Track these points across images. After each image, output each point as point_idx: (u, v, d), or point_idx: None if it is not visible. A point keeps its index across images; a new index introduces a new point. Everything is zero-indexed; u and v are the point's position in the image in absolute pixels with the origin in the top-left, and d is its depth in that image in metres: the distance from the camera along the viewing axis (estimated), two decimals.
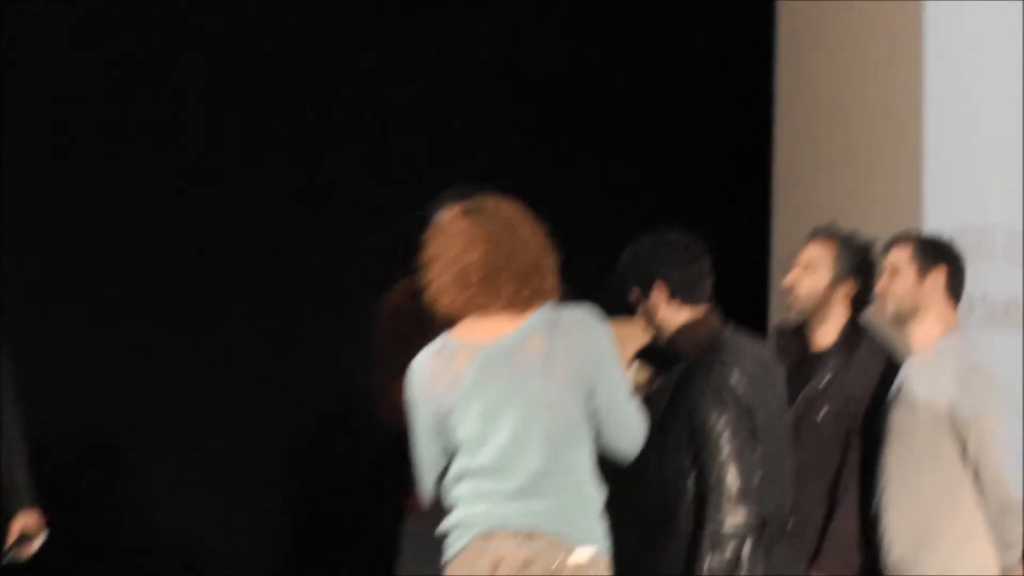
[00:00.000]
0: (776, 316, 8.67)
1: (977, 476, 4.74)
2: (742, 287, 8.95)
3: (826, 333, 5.00)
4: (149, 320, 7.73)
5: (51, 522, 5.68)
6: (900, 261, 4.83)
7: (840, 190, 8.48)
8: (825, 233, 5.06)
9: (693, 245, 4.49)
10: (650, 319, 4.42)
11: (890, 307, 4.87)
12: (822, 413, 4.79)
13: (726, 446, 4.29)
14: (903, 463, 4.80)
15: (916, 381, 4.82)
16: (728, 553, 4.21)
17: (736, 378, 4.28)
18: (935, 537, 4.79)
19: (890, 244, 4.94)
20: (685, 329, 4.40)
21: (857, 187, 8.32)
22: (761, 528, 4.30)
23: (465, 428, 4.04)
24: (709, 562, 4.20)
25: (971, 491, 4.77)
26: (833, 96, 8.62)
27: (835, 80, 8.64)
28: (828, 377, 4.80)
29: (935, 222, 7.36)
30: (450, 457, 4.08)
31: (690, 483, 4.24)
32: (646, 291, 4.40)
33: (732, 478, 4.28)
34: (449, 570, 4.09)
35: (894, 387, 4.85)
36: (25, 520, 5.59)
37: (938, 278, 4.82)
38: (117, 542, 7.79)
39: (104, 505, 7.31)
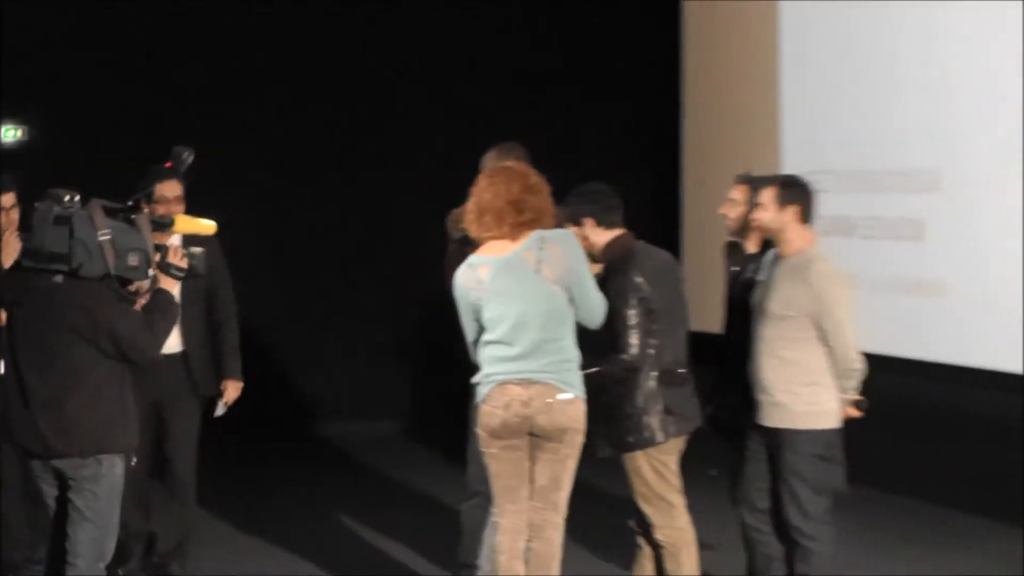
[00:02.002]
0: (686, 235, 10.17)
1: (829, 347, 5.61)
2: (665, 216, 10.32)
3: (753, 242, 5.97)
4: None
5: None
6: (766, 198, 5.67)
7: (728, 144, 9.93)
8: (741, 178, 6.03)
9: (608, 190, 5.70)
10: (586, 240, 5.59)
11: (761, 230, 5.81)
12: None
13: (629, 319, 5.49)
14: (779, 332, 5.61)
15: (785, 281, 5.63)
16: (619, 373, 5.45)
17: (638, 278, 5.52)
18: (802, 386, 5.62)
19: (760, 183, 5.79)
20: (606, 246, 5.61)
21: (739, 143, 9.80)
22: (657, 369, 5.51)
23: (488, 313, 5.21)
24: (618, 379, 5.46)
25: (822, 354, 5.63)
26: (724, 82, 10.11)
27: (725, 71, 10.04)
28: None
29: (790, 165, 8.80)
30: (481, 330, 5.27)
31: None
32: (579, 223, 5.62)
33: (630, 339, 5.48)
34: (483, 408, 5.24)
35: (765, 280, 5.72)
36: (234, 388, 6.45)
37: (795, 209, 5.65)
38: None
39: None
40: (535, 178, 5.26)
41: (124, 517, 5.29)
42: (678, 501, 5.70)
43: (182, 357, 6.34)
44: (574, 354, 5.28)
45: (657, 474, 5.61)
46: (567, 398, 5.23)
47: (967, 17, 7.86)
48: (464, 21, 10.63)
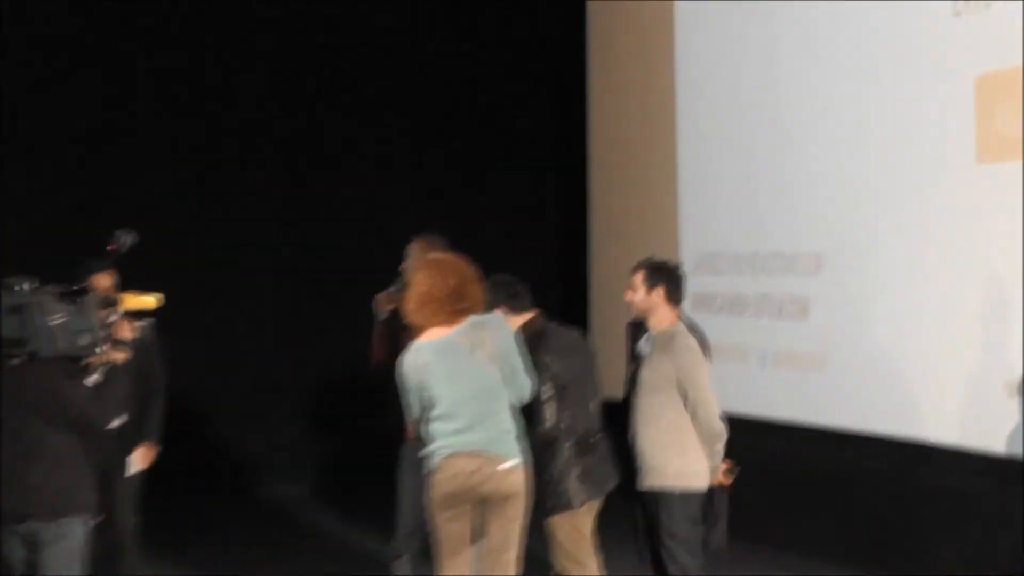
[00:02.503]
0: (595, 310, 10.55)
1: (694, 414, 6.00)
2: (573, 296, 10.73)
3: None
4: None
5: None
6: (636, 281, 6.14)
7: (633, 226, 10.32)
8: (638, 265, 6.28)
9: (512, 279, 6.08)
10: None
11: (634, 310, 6.20)
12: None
13: (545, 395, 5.86)
14: (651, 402, 6.03)
15: (655, 355, 6.05)
16: (538, 444, 5.76)
17: (548, 357, 5.92)
18: (671, 450, 6.01)
19: (634, 268, 6.20)
20: (521, 328, 5.98)
21: (643, 226, 10.19)
22: (572, 439, 5.91)
23: (432, 392, 5.52)
24: (537, 450, 5.77)
25: (688, 421, 6.01)
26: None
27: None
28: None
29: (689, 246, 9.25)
30: (426, 409, 5.57)
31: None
32: (494, 309, 5.91)
33: (548, 413, 5.91)
34: (433, 478, 5.54)
35: (640, 354, 6.15)
36: (146, 452, 6.88)
37: (660, 291, 6.10)
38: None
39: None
40: (470, 269, 5.64)
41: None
42: (591, 562, 6.06)
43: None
44: (513, 424, 5.60)
45: (572, 536, 5.99)
46: (510, 466, 5.56)
47: (847, 111, 8.22)
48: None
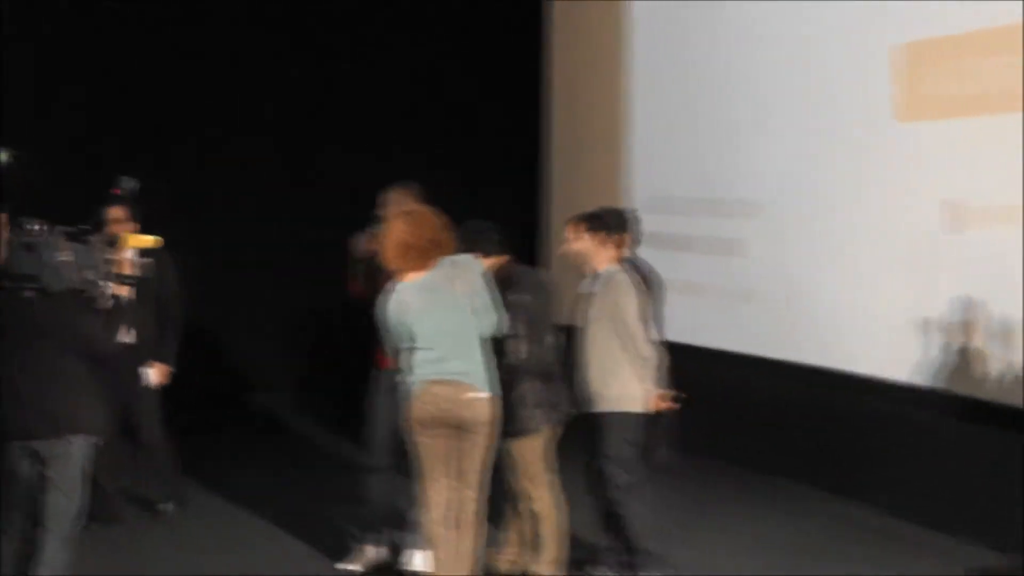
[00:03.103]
0: (553, 251, 10.72)
1: (624, 343, 6.43)
2: (528, 239, 11.13)
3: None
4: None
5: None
6: (569, 232, 6.60)
7: (587, 173, 10.71)
8: (570, 219, 6.72)
9: (485, 226, 6.43)
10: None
11: (576, 258, 6.62)
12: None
13: (517, 329, 6.24)
14: (593, 334, 6.47)
15: (598, 291, 6.46)
16: (508, 375, 6.15)
17: (522, 293, 6.30)
18: (609, 376, 6.44)
19: (571, 220, 6.64)
20: (494, 270, 6.28)
21: (596, 174, 10.59)
22: (538, 370, 6.30)
23: (413, 326, 5.91)
24: (503, 380, 6.06)
25: (625, 349, 6.43)
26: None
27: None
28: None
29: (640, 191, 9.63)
30: (407, 340, 5.95)
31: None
32: (472, 252, 6.19)
33: (515, 347, 6.27)
34: (412, 402, 5.92)
35: (586, 292, 6.52)
36: (160, 370, 7.60)
37: (595, 236, 6.51)
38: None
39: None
40: (441, 219, 6.03)
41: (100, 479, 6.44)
42: (550, 479, 6.49)
43: (135, 348, 7.39)
44: (484, 357, 6.00)
45: (534, 457, 6.42)
46: (482, 396, 5.97)
47: (784, 74, 8.62)
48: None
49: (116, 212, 7.28)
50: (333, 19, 11.77)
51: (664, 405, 6.55)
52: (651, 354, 6.51)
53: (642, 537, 6.52)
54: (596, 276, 6.58)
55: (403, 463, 6.35)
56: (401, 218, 6.06)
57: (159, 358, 7.65)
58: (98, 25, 10.86)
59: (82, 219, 6.04)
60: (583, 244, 6.59)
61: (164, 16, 11.09)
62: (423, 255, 5.95)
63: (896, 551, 7.37)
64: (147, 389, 7.63)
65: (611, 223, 6.64)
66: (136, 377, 7.55)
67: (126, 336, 7.08)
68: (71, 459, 5.70)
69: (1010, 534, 7.05)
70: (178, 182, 10.70)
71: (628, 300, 6.48)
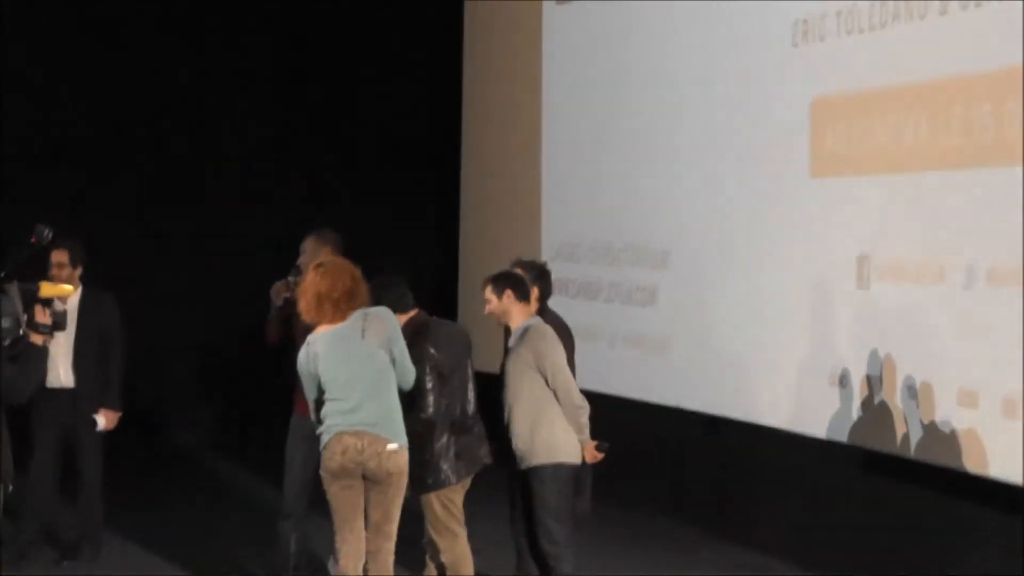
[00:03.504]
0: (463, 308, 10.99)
1: (555, 392, 6.52)
2: (445, 291, 11.20)
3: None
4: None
5: None
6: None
7: (503, 216, 10.80)
8: (485, 280, 6.80)
9: (396, 280, 6.52)
10: None
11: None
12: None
13: (426, 384, 6.31)
14: (517, 389, 6.55)
15: (516, 345, 6.60)
16: (419, 428, 6.25)
17: (431, 348, 6.38)
18: (539, 428, 6.51)
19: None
20: (405, 324, 6.39)
21: (509, 217, 10.68)
22: (450, 425, 6.39)
23: (324, 376, 6.03)
24: (418, 433, 6.22)
25: (553, 400, 6.52)
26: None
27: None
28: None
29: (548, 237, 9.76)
30: (320, 390, 6.06)
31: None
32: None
33: (427, 401, 6.34)
34: (324, 453, 6.03)
35: (510, 346, 6.69)
36: (109, 415, 7.64)
37: (510, 294, 6.63)
38: None
39: None
40: (357, 272, 6.15)
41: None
42: (460, 531, 6.55)
43: (72, 391, 7.55)
44: (398, 408, 6.11)
45: (445, 509, 6.51)
46: (393, 448, 6.05)
47: (698, 125, 8.74)
48: None
49: (59, 256, 7.46)
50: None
51: (593, 456, 6.64)
52: (583, 402, 6.62)
53: None
54: (516, 331, 6.68)
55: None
56: (316, 270, 6.15)
57: (105, 403, 7.68)
58: None
59: None
60: (498, 305, 6.69)
61: None
62: (336, 307, 6.04)
63: None
64: (92, 433, 7.67)
65: (521, 281, 6.75)
66: (78, 420, 7.61)
67: (65, 380, 7.43)
68: None
69: None
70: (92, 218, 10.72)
71: (553, 348, 6.61)
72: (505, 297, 6.66)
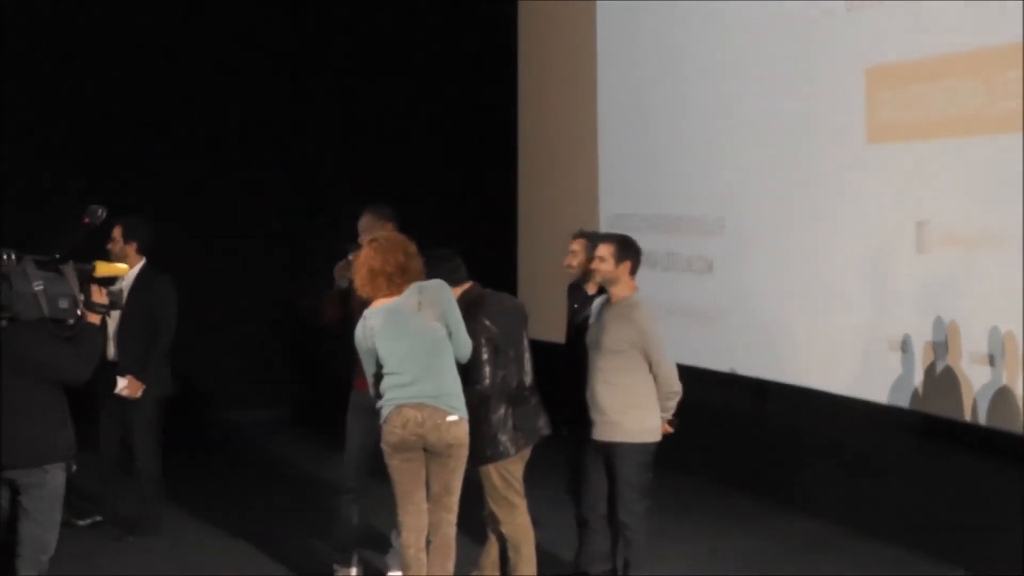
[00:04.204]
0: (522, 279, 11.03)
1: (656, 375, 6.45)
2: (503, 263, 11.13)
3: (593, 285, 6.81)
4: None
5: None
6: (605, 253, 6.50)
7: (559, 189, 10.73)
8: (579, 234, 6.95)
9: (449, 253, 6.49)
10: None
11: (599, 278, 6.61)
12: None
13: (481, 356, 6.29)
14: (614, 363, 6.39)
15: (616, 321, 6.42)
16: (475, 400, 6.20)
17: (486, 321, 6.34)
18: (634, 408, 6.42)
19: (598, 239, 6.69)
20: (460, 297, 6.31)
21: (565, 194, 10.63)
22: (507, 397, 6.35)
23: (382, 351, 6.02)
24: (474, 406, 6.17)
25: (649, 380, 6.45)
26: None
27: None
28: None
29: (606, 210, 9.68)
30: (377, 365, 6.07)
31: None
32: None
33: (483, 373, 6.32)
34: (384, 428, 6.03)
35: (596, 318, 6.53)
36: (133, 384, 7.69)
37: (627, 264, 6.49)
38: None
39: None
40: (411, 246, 6.13)
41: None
42: (520, 503, 6.52)
43: (115, 365, 7.62)
44: (457, 381, 6.08)
45: (504, 481, 6.45)
46: (453, 419, 6.03)
47: (754, 95, 8.66)
48: None
49: (115, 231, 7.60)
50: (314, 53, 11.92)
51: (664, 430, 6.60)
52: (680, 388, 6.53)
53: (646, 563, 6.56)
54: (607, 304, 6.56)
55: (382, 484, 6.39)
56: (369, 245, 6.16)
57: (137, 374, 7.70)
58: None
59: (55, 246, 5.94)
60: (612, 269, 6.54)
61: None
62: (390, 281, 6.04)
63: (849, 563, 7.47)
64: (141, 413, 7.71)
65: (639, 255, 6.63)
66: (127, 401, 7.67)
67: (110, 354, 7.40)
68: (48, 488, 5.65)
69: (962, 549, 7.13)
70: (163, 202, 10.79)
71: (661, 332, 6.50)
72: (623, 265, 6.51)
